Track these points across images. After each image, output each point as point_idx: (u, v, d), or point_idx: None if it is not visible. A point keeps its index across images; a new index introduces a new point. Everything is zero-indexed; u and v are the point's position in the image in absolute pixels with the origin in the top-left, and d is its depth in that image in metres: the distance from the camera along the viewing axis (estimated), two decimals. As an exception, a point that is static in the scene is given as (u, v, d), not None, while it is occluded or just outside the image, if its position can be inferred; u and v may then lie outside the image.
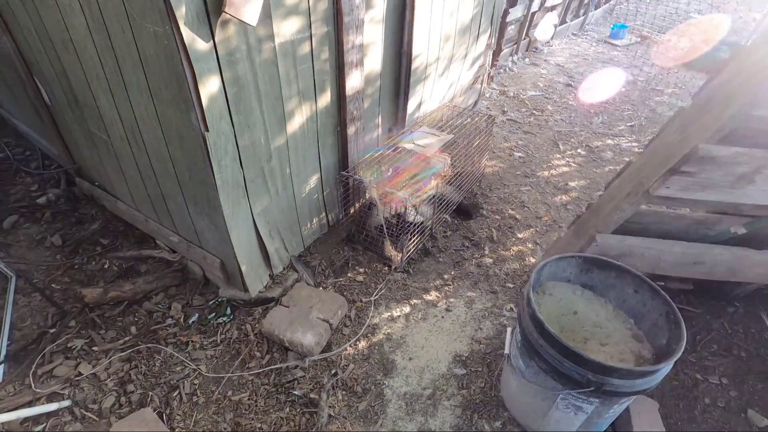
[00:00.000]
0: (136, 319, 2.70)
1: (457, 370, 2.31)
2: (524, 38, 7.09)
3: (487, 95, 5.91)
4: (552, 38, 7.92)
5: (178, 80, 1.87)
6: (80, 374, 2.34)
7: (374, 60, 2.93)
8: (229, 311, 2.73)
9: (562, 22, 8.18)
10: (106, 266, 3.06)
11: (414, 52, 3.16)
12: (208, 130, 1.99)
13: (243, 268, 2.57)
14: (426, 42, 3.28)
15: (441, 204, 3.40)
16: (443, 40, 3.52)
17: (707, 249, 2.23)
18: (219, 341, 2.55)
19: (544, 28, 7.25)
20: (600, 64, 7.29)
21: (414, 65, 3.24)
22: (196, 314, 2.73)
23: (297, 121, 2.53)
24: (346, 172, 2.85)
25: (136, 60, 2.03)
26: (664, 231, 2.44)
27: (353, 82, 2.73)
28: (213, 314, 2.73)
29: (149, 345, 2.50)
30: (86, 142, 3.07)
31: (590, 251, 2.28)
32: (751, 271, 2.33)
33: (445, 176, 3.82)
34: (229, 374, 2.36)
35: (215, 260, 2.66)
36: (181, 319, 2.68)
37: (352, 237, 3.21)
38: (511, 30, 6.64)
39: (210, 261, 2.70)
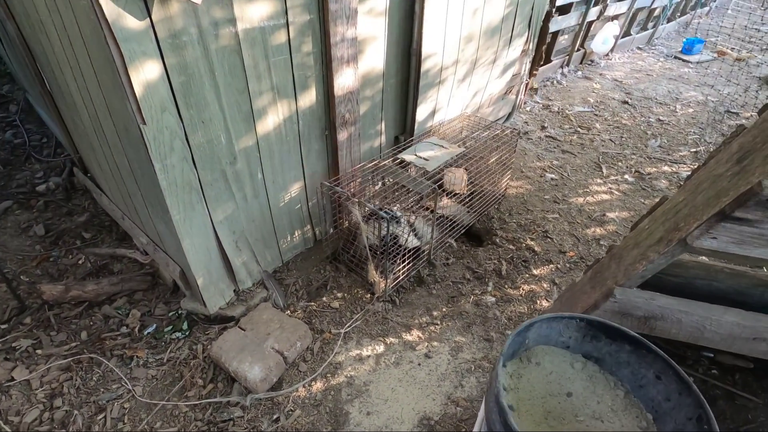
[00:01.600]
0: (91, 323, 2.50)
1: (421, 438, 1.87)
2: (578, 49, 6.44)
3: (528, 109, 5.36)
4: (612, 51, 7.16)
5: (109, 63, 1.63)
6: (13, 379, 2.15)
7: (374, 57, 2.58)
8: (185, 326, 2.46)
9: (626, 34, 7.40)
10: (80, 261, 2.92)
11: (425, 52, 2.76)
12: (145, 123, 1.72)
13: (199, 281, 2.29)
14: (441, 41, 2.88)
15: (446, 226, 2.96)
16: (464, 41, 3.09)
17: (774, 323, 1.63)
18: (165, 360, 2.27)
19: (603, 39, 6.54)
20: (665, 81, 6.47)
21: (425, 67, 2.85)
22: (154, 325, 2.49)
23: (271, 120, 2.22)
24: (329, 182, 2.50)
25: (81, 41, 1.81)
26: (716, 291, 1.86)
27: (344, 80, 2.39)
28: (170, 327, 2.47)
29: (92, 355, 2.28)
30: (77, 130, 2.97)
31: (607, 308, 1.76)
32: (839, 359, 1.69)
33: (460, 194, 3.37)
34: (164, 402, 2.07)
35: (176, 267, 2.41)
36: (137, 329, 2.45)
37: (338, 256, 2.84)
38: (563, 40, 6.04)
39: (172, 268, 2.45)
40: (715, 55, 7.48)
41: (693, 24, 9.45)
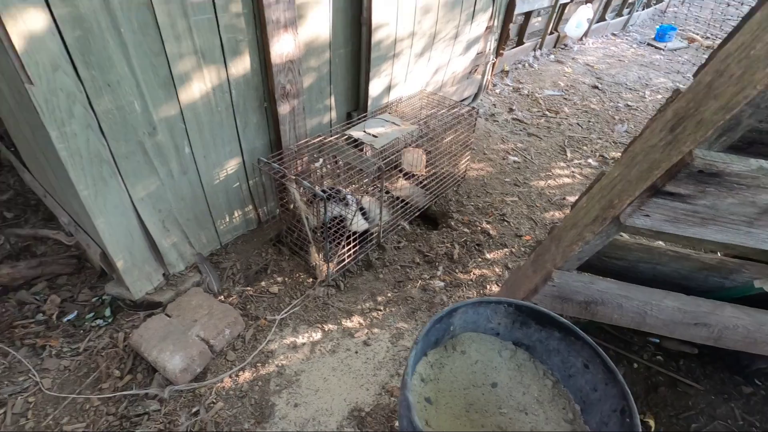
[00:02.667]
0: (3, 309, 2.28)
1: (349, 431, 1.74)
2: (551, 32, 6.32)
3: (498, 91, 5.23)
4: (585, 35, 7.08)
5: (-19, 10, 1.40)
6: None
7: (318, 24, 2.38)
8: (108, 313, 2.27)
9: (600, 19, 7.32)
10: (0, 243, 2.67)
11: (375, 21, 2.58)
12: (32, 84, 1.51)
13: (119, 264, 2.10)
14: (394, 11, 2.70)
15: (400, 208, 2.82)
16: (421, 11, 2.91)
17: (714, 308, 1.56)
18: (82, 349, 2.09)
19: (576, 22, 6.43)
20: (636, 67, 6.43)
21: (377, 37, 2.67)
22: (75, 312, 2.29)
23: (197, 88, 2.02)
24: (267, 159, 2.32)
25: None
26: (659, 274, 1.78)
27: (283, 47, 2.20)
28: (92, 314, 2.28)
29: (-1, 344, 2.07)
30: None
31: (546, 292, 1.66)
32: (779, 345, 1.64)
33: (418, 175, 3.24)
34: (75, 395, 1.89)
35: (97, 249, 2.21)
36: (54, 316, 2.24)
37: (282, 238, 2.68)
38: (536, 22, 5.91)
39: (93, 249, 2.24)
40: (687, 42, 7.49)
41: (668, 12, 9.45)
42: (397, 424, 1.77)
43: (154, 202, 2.12)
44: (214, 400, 1.85)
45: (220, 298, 2.30)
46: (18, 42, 1.42)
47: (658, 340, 2.09)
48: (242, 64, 2.15)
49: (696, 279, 1.75)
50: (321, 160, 2.46)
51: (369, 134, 2.55)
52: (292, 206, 2.67)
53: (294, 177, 2.17)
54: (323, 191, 2.17)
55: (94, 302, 2.35)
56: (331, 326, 2.19)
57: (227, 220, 2.55)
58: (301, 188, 2.21)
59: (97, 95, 1.70)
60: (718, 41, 7.24)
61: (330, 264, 2.37)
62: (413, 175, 3.23)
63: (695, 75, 1.13)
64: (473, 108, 3.00)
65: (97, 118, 1.73)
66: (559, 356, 1.34)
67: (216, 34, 1.97)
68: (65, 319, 2.25)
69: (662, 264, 1.72)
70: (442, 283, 2.47)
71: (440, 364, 1.35)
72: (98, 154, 1.80)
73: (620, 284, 1.57)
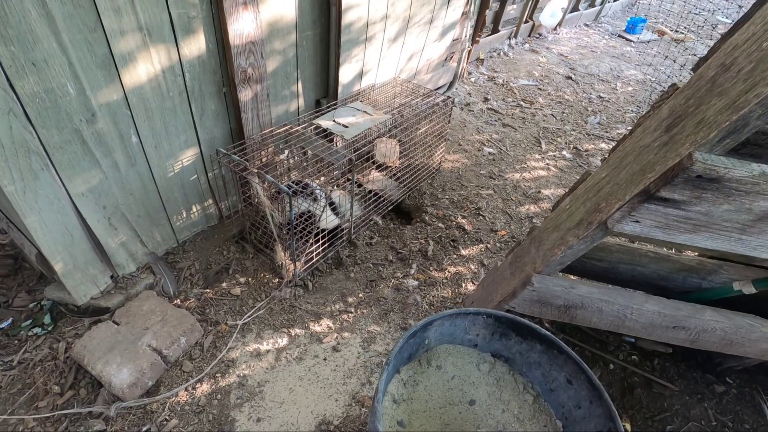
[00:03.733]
0: (-77, 318, 2.01)
1: (316, 447, 1.62)
2: (526, 21, 6.25)
3: (473, 80, 5.12)
4: (560, 25, 7.06)
5: None
6: None
7: (282, 3, 2.17)
8: (48, 320, 2.05)
9: (574, 9, 7.31)
10: None
11: (345, 1, 2.39)
12: (-67, 59, 1.27)
13: (57, 267, 1.87)
14: (366, -10, 2.51)
15: (373, 202, 2.68)
16: (394, -7, 2.74)
17: (695, 312, 1.51)
18: (16, 362, 1.87)
19: (551, 12, 6.38)
20: (608, 58, 6.46)
21: (347, 19, 2.48)
22: (10, 319, 2.05)
23: (143, 70, 1.80)
24: (226, 150, 2.12)
25: None
26: (639, 275, 1.72)
27: (242, 26, 1.99)
28: (29, 322, 2.05)
29: None
30: None
31: (525, 297, 1.57)
32: (755, 346, 1.62)
33: (392, 167, 3.10)
34: (6, 416, 1.68)
35: (32, 249, 1.97)
36: (-15, 324, 2.00)
37: (245, 235, 2.49)
38: (512, 10, 5.81)
39: (28, 250, 2.00)
40: (657, 34, 7.59)
41: (639, 3, 9.57)
42: (367, 436, 1.67)
43: (96, 197, 1.89)
44: (168, 417, 1.68)
45: (176, 302, 2.11)
46: None
47: (633, 340, 2.06)
48: (196, 45, 1.94)
49: (675, 280, 1.71)
50: (286, 152, 2.28)
51: (339, 124, 2.38)
52: (255, 201, 2.49)
53: (256, 170, 1.99)
54: (289, 186, 2.01)
55: (31, 308, 2.11)
56: (298, 330, 2.05)
57: (184, 215, 2.34)
58: (265, 182, 2.03)
59: (19, 75, 1.46)
60: (690, 35, 7.36)
61: (297, 263, 2.22)
62: (386, 167, 3.09)
63: (695, 69, 1.03)
64: (449, 97, 2.87)
65: (20, 102, 1.50)
66: (540, 369, 1.25)
67: (164, 8, 1.75)
68: (-2, 328, 2.01)
69: (642, 265, 1.67)
70: (416, 282, 2.36)
71: (414, 381, 1.23)
72: (24, 143, 1.57)
73: (601, 289, 1.50)
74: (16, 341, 1.96)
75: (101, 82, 1.69)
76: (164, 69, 1.87)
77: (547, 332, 1.18)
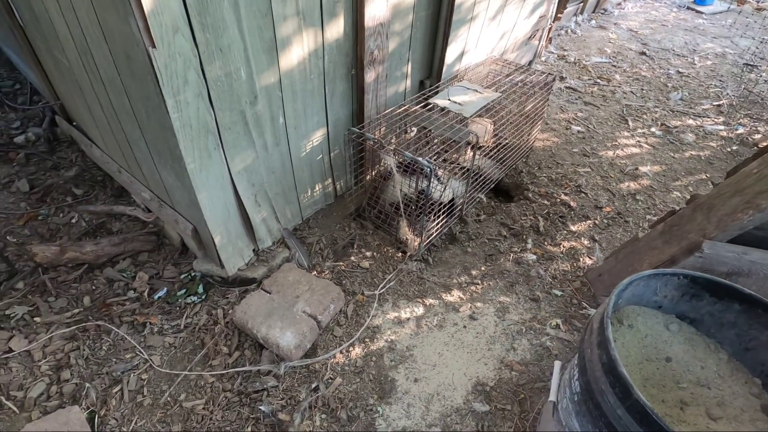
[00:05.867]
0: (93, 287, 2.24)
1: (478, 405, 1.72)
2: (593, -4, 6.04)
3: (543, 59, 5.04)
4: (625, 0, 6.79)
5: (107, -35, 1.29)
6: (11, 350, 1.91)
7: (407, -17, 2.23)
8: (201, 290, 2.23)
9: (640, -19, 7.00)
10: (74, 221, 2.61)
11: (460, -20, 2.43)
12: (155, 47, 1.40)
13: (216, 240, 2.04)
14: (477, -32, 2.53)
15: (476, 180, 2.73)
16: (500, -31, 2.74)
17: None
18: (183, 326, 2.05)
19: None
20: (681, 32, 6.18)
21: (459, -1, 2.52)
22: (165, 289, 2.25)
23: (295, 53, 1.91)
24: (358, 129, 2.22)
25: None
26: (799, 244, 1.69)
27: (376, 9, 2.07)
28: (183, 291, 2.24)
29: (99, 322, 2.04)
30: (57, 72, 2.58)
31: (686, 264, 1.59)
32: None
33: (485, 146, 3.13)
34: (187, 372, 1.87)
35: (188, 225, 2.14)
36: (145, 293, 2.21)
37: (362, 212, 2.61)
38: (578, -15, 5.64)
39: (182, 226, 2.18)
40: (729, 5, 7.16)
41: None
42: (540, 401, 1.75)
43: (249, 175, 2.04)
44: (332, 376, 1.82)
45: (314, 273, 2.25)
46: (145, 0, 1.31)
47: None
48: (336, 28, 2.03)
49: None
50: (415, 130, 2.36)
51: (455, 102, 2.43)
52: (368, 177, 2.59)
53: (393, 148, 2.07)
54: (428, 161, 2.08)
55: (182, 279, 2.30)
56: (431, 300, 2.15)
57: (309, 194, 2.47)
58: (400, 158, 2.12)
59: (209, 60, 1.59)
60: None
61: (421, 237, 2.31)
62: (480, 147, 3.12)
63: None
64: (550, 73, 2.86)
65: (207, 86, 1.64)
66: (735, 329, 1.28)
67: (318, -8, 1.84)
68: (156, 296, 2.22)
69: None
70: (534, 256, 2.40)
71: (614, 340, 1.29)
72: (206, 124, 1.71)
73: (775, 254, 1.50)
74: (177, 308, 2.15)
75: (265, 65, 1.81)
76: (310, 52, 1.97)
77: (752, 292, 1.21)
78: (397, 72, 2.57)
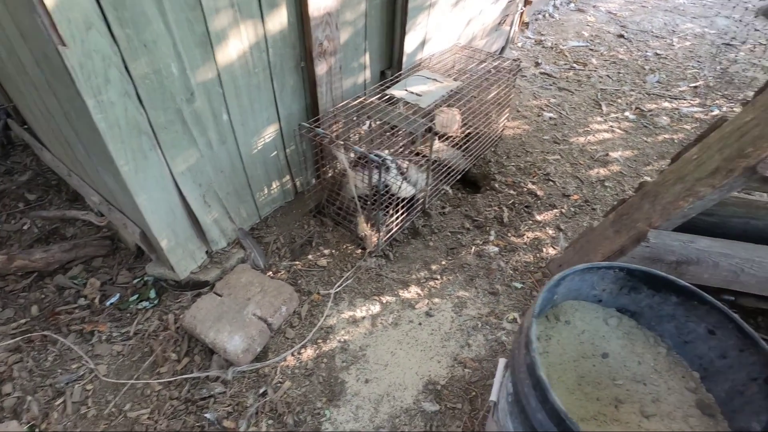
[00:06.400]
0: (42, 296, 2.18)
1: (428, 405, 1.68)
2: (571, -22, 5.93)
3: (519, 44, 4.96)
4: (605, -19, 6.67)
5: (2, -42, 1.20)
6: (-49, 365, 1.85)
7: (355, -30, 2.15)
8: (153, 295, 2.17)
9: (620, -38, 6.87)
10: (26, 227, 2.54)
11: (414, -35, 2.34)
12: (65, 45, 1.32)
13: (163, 243, 1.97)
14: (432, -48, 2.44)
15: (441, 172, 2.67)
16: (458, -47, 2.65)
17: (824, 263, 1.45)
18: (132, 333, 2.00)
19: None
20: (661, 13, 6.09)
21: (414, -16, 2.43)
22: (117, 295, 2.19)
23: (234, 47, 1.83)
24: (308, 124, 2.15)
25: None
26: (752, 229, 1.66)
27: (320, -3, 1.98)
28: (136, 296, 2.18)
29: (46, 332, 1.98)
30: (3, 72, 2.48)
31: (635, 254, 1.55)
32: None
33: (454, 137, 3.06)
34: (133, 380, 1.82)
35: (135, 229, 2.08)
36: (97, 300, 2.15)
37: (322, 209, 2.55)
38: (555, -33, 5.53)
39: (131, 229, 2.11)
40: (711, -16, 7.05)
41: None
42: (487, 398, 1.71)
43: (194, 175, 1.97)
44: (281, 380, 1.78)
45: (269, 274, 2.20)
46: (47, -5, 1.23)
47: (733, 298, 2.01)
48: (279, 19, 1.95)
49: (791, 233, 1.63)
50: (368, 122, 2.29)
51: (412, 93, 2.36)
52: (330, 173, 2.52)
53: (343, 143, 2.01)
54: (377, 155, 2.02)
55: (135, 284, 2.24)
56: (388, 298, 2.10)
57: (265, 192, 2.40)
58: (350, 153, 2.05)
59: (133, 57, 1.51)
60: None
61: (379, 233, 2.25)
62: (448, 137, 3.06)
63: None
64: (515, 60, 2.79)
65: (134, 84, 1.56)
66: (674, 322, 1.24)
67: (252, -18, 1.76)
68: (108, 303, 2.16)
69: (758, 218, 1.61)
70: (496, 248, 2.36)
71: (546, 335, 1.25)
72: (137, 124, 1.63)
73: (722, 242, 1.46)
74: (128, 314, 2.10)
75: (199, 60, 1.73)
76: (251, 45, 1.89)
77: (687, 284, 1.16)
78: (353, 63, 2.49)
